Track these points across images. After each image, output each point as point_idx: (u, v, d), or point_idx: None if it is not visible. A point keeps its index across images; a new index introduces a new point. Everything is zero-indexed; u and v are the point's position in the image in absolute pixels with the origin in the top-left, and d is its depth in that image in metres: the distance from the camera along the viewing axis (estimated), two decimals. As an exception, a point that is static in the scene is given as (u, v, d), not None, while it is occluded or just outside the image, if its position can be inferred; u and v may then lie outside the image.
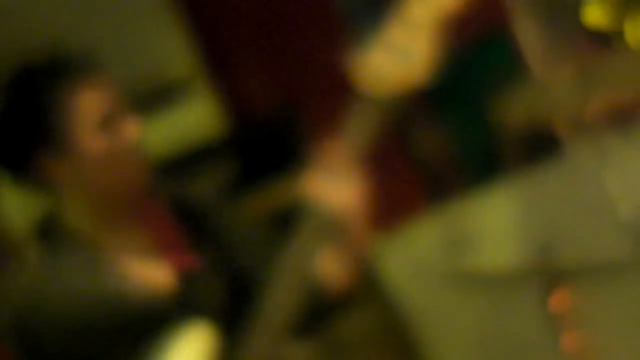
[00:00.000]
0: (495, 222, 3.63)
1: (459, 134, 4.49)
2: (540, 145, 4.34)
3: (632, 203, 2.80)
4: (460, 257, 3.41)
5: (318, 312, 1.87)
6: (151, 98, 3.42)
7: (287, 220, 1.67)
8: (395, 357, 3.59)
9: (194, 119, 3.78)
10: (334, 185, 1.65)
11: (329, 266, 1.82)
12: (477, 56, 4.49)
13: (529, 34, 5.07)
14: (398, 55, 1.71)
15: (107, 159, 1.49)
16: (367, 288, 3.30)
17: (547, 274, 2.65)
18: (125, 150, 1.50)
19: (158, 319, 1.55)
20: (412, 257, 3.52)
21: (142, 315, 1.55)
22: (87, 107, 1.43)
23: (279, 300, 1.66)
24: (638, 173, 2.85)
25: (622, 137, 3.04)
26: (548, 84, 3.50)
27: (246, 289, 1.66)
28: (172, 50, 3.78)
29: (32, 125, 1.46)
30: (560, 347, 2.65)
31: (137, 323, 1.55)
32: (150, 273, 1.59)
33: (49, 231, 1.63)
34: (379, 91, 1.68)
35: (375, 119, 1.69)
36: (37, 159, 1.48)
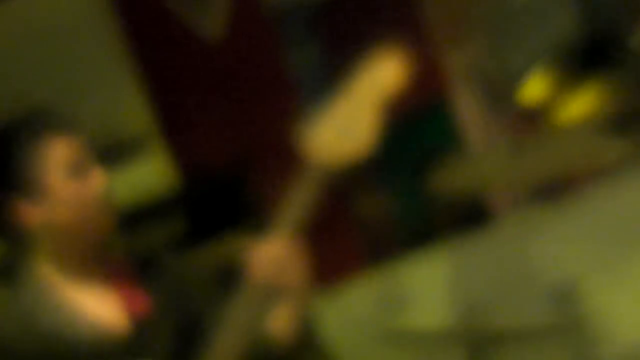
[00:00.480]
0: (427, 285, 3.81)
1: (398, 201, 4.65)
2: (472, 214, 4.58)
3: (556, 273, 2.99)
4: (394, 316, 3.62)
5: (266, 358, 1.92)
6: (107, 155, 3.69)
7: (234, 274, 1.84)
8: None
9: (148, 175, 3.90)
10: (276, 255, 1.61)
11: (272, 321, 1.76)
12: (417, 127, 4.94)
13: (468, 108, 5.38)
14: (343, 131, 1.72)
15: (76, 204, 1.53)
16: (307, 342, 3.72)
17: (474, 336, 2.89)
18: (92, 196, 1.53)
19: None
20: (350, 315, 3.66)
21: (95, 356, 1.56)
22: (58, 157, 1.50)
23: (225, 351, 1.65)
24: (562, 245, 3.08)
25: (549, 211, 3.32)
26: (483, 156, 3.82)
27: (193, 338, 1.67)
28: (129, 110, 3.91)
29: (9, 174, 1.59)
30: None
31: None
32: (104, 316, 1.61)
33: (16, 273, 1.71)
34: (324, 162, 1.67)
35: (318, 187, 1.67)
36: (13, 205, 1.69)
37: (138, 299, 1.64)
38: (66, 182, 1.50)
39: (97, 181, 1.64)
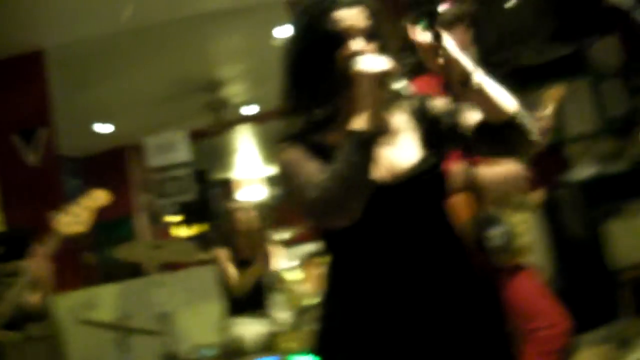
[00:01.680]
0: (109, 299, 5.53)
1: (102, 258, 7.26)
2: (133, 271, 5.99)
3: (162, 305, 4.07)
4: (89, 311, 5.24)
5: (23, 317, 2.86)
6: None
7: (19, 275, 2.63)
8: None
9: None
10: (40, 267, 2.74)
11: (31, 296, 2.83)
12: (115, 226, 7.10)
13: (141, 221, 7.81)
14: (76, 218, 2.91)
15: None
16: (48, 311, 4.77)
17: (123, 328, 4.11)
18: None
19: None
20: (68, 305, 5.31)
21: None
22: None
23: (4, 311, 2.64)
24: (168, 292, 4.22)
25: (166, 275, 4.56)
26: (142, 244, 5.09)
27: None
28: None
29: None
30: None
31: None
32: None
33: None
34: (61, 232, 2.86)
35: (58, 243, 2.84)
36: None
37: None
38: None
39: None
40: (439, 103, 1.72)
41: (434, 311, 1.61)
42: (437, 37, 1.54)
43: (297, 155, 1.66)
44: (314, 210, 1.57)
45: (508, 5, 5.22)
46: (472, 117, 1.72)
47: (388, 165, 1.62)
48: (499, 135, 1.58)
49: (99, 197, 3.08)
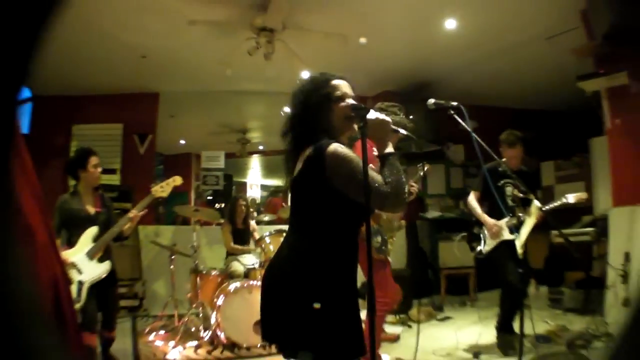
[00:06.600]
0: (167, 233, 6.41)
1: (169, 210, 8.49)
2: None
3: None
4: (155, 237, 5.83)
5: (121, 237, 3.19)
6: None
7: None
8: None
9: None
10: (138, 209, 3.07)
11: (126, 225, 3.19)
12: (180, 195, 8.77)
13: (191, 195, 9.59)
14: (162, 189, 3.25)
15: None
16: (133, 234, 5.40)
17: (171, 249, 4.83)
18: None
19: None
20: (145, 233, 6.12)
21: None
22: None
23: (116, 229, 3.04)
24: None
25: None
26: (190, 207, 5.50)
27: None
28: None
29: None
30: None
31: None
32: None
33: None
34: (155, 195, 3.16)
35: (151, 200, 3.15)
36: None
37: None
38: None
39: None
40: None
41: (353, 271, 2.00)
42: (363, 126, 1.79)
43: (347, 150, 1.83)
44: (388, 200, 1.77)
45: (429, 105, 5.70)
46: None
47: None
48: None
49: (177, 180, 3.59)
